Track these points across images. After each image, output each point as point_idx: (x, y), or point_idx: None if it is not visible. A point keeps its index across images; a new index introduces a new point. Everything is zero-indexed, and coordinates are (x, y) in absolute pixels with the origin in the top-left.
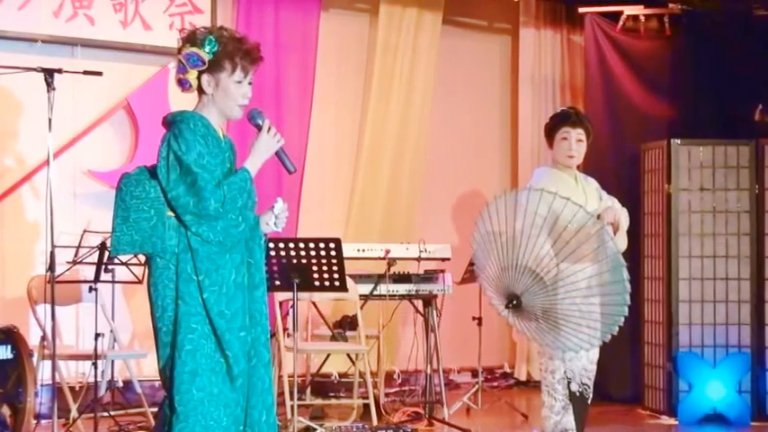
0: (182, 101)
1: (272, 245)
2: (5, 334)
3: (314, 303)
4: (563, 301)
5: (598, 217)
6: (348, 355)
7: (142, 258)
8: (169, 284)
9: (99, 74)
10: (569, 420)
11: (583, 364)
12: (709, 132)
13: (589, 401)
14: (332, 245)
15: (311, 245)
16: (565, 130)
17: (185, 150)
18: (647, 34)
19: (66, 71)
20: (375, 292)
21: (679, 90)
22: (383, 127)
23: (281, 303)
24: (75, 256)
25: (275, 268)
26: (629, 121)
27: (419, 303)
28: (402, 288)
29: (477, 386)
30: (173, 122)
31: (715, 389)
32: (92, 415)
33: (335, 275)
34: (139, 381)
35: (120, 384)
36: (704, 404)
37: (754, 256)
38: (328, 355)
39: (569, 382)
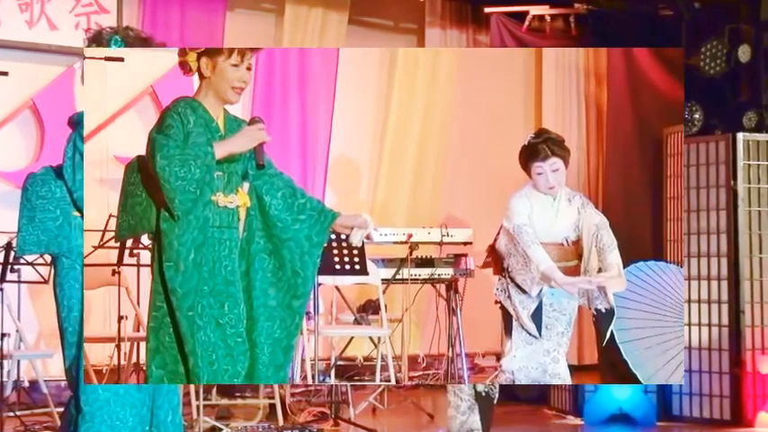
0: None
1: None
2: None
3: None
4: None
5: None
6: None
7: (48, 258)
8: (75, 284)
9: (5, 74)
10: (475, 420)
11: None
12: None
13: (495, 401)
14: None
15: None
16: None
17: None
18: (552, 34)
19: None
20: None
21: None
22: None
23: None
24: None
25: None
26: None
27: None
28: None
29: (382, 387)
30: (78, 122)
31: (621, 389)
32: None
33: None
34: (45, 381)
35: (27, 384)
36: (610, 404)
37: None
38: None
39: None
